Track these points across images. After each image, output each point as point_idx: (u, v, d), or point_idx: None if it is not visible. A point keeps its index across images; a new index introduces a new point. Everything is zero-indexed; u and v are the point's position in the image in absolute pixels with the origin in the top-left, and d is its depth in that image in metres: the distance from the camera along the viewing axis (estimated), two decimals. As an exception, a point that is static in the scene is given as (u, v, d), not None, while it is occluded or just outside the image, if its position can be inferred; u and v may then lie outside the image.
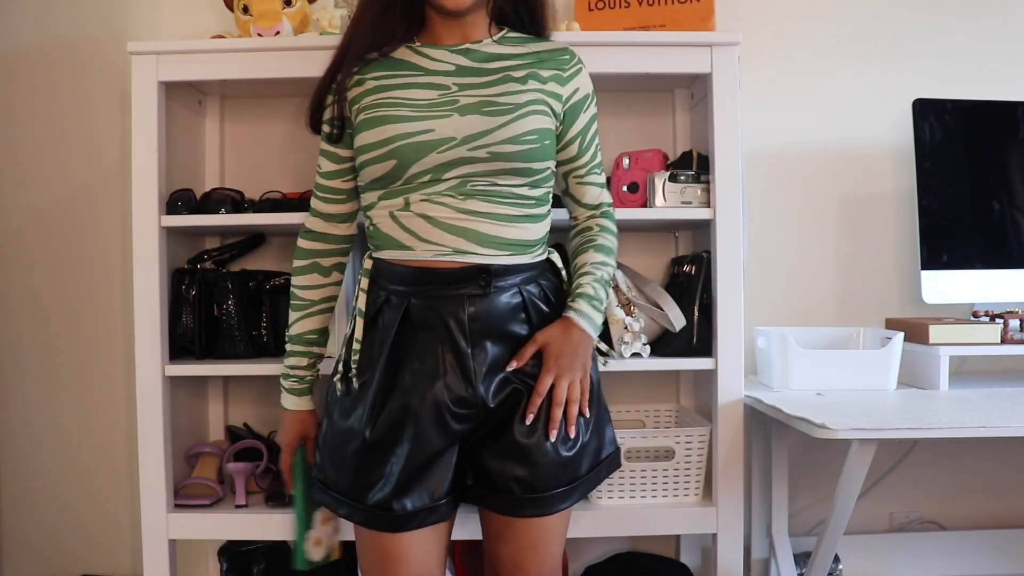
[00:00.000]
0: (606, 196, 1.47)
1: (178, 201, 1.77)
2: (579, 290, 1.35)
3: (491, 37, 1.39)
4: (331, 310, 1.47)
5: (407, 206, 1.28)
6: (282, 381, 1.48)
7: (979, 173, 2.00)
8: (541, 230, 1.37)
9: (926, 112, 1.98)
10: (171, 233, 1.80)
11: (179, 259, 1.89)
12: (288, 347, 1.46)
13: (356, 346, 1.33)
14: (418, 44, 1.38)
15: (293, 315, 1.45)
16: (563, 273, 1.42)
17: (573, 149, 1.41)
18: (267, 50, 1.75)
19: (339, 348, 1.48)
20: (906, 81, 2.12)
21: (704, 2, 1.86)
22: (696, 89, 1.95)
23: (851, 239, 2.14)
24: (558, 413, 1.28)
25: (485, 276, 1.28)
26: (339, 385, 1.34)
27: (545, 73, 1.35)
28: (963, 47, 2.14)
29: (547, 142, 1.32)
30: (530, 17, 1.43)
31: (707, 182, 1.77)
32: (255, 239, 2.03)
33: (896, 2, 2.14)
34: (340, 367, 1.35)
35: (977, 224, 1.99)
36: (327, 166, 1.41)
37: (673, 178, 1.78)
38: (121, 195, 2.09)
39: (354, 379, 1.31)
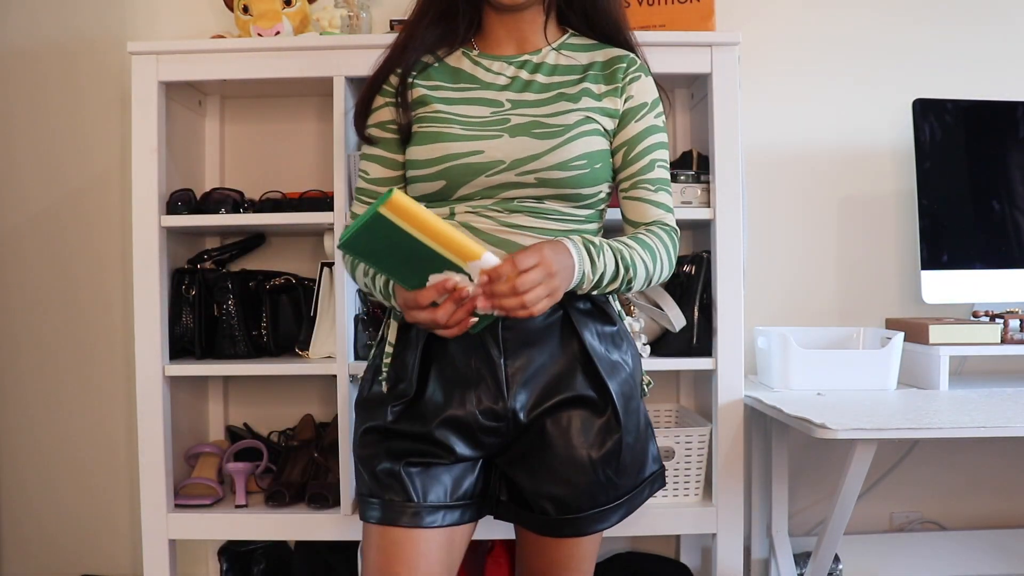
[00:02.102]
0: (667, 217, 1.31)
1: (178, 201, 1.77)
2: (584, 236, 1.21)
3: (550, 45, 1.33)
4: None
5: (451, 216, 1.25)
6: (387, 299, 1.23)
7: (979, 173, 2.00)
8: None
9: (926, 112, 1.98)
10: (171, 233, 1.81)
11: (179, 259, 1.89)
12: (378, 289, 1.24)
13: (389, 349, 1.29)
14: (475, 52, 1.33)
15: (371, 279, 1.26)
16: None
17: (618, 159, 1.31)
18: (267, 50, 1.75)
19: (369, 352, 1.40)
20: (906, 81, 2.12)
21: (704, 2, 1.86)
22: (696, 89, 1.95)
23: (851, 239, 2.14)
24: (499, 296, 1.08)
25: None
26: (368, 387, 1.30)
27: (600, 88, 1.30)
28: (963, 47, 2.14)
29: (598, 166, 1.27)
30: (587, 22, 1.36)
31: (707, 182, 1.77)
32: (255, 239, 2.03)
33: (896, 2, 2.14)
34: (369, 371, 1.31)
35: (977, 224, 1.99)
36: (377, 171, 1.32)
37: (673, 178, 1.78)
38: (121, 195, 2.09)
39: (384, 383, 1.28)
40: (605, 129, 1.29)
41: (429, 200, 1.27)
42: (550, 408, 1.24)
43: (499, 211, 1.24)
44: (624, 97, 1.31)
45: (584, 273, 1.17)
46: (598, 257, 1.18)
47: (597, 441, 1.24)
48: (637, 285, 1.25)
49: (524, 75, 1.31)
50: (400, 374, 1.27)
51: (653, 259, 1.25)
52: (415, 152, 1.27)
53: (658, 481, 1.34)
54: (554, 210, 1.26)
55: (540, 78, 1.30)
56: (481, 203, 1.25)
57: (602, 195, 1.31)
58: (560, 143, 1.24)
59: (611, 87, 1.31)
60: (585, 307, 1.28)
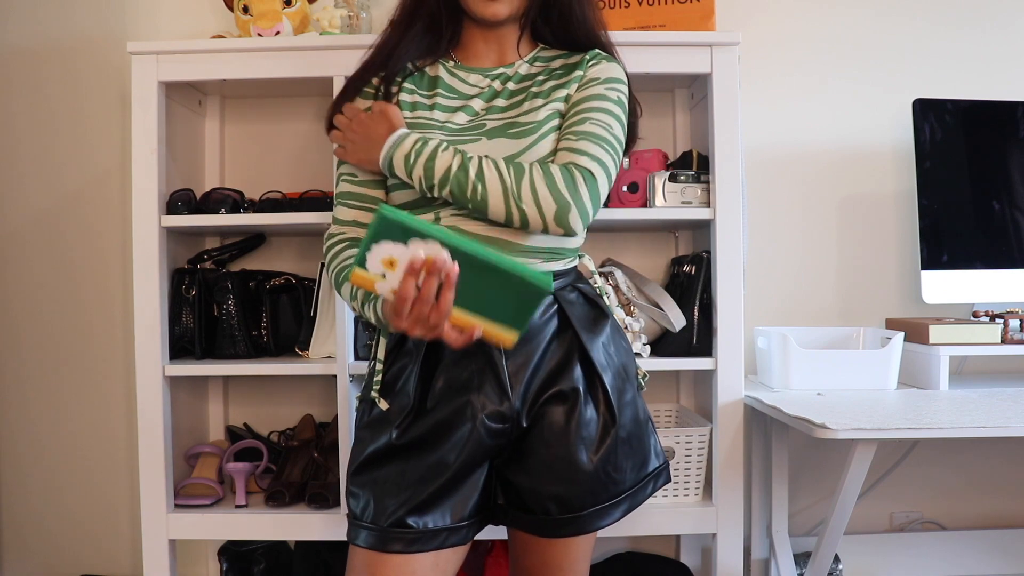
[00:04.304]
0: (578, 159, 1.22)
1: (178, 201, 1.77)
2: (428, 136, 1.23)
3: (523, 58, 1.36)
4: None
5: (437, 220, 1.25)
6: (364, 305, 1.18)
7: (979, 173, 2.00)
8: (576, 241, 1.31)
9: (926, 112, 1.98)
10: (171, 233, 1.80)
11: (179, 259, 1.89)
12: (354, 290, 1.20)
13: (379, 367, 1.28)
14: (452, 64, 1.36)
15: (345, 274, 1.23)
16: (595, 278, 1.37)
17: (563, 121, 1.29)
18: (267, 50, 1.75)
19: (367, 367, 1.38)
20: (906, 81, 2.12)
21: (704, 2, 1.86)
22: (696, 89, 1.95)
23: (851, 239, 2.14)
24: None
25: None
26: (365, 406, 1.29)
27: (568, 78, 1.31)
28: (963, 47, 2.14)
29: None
30: (563, 33, 1.37)
31: (707, 182, 1.77)
32: (255, 239, 2.03)
33: (896, 2, 2.14)
34: (367, 389, 1.30)
35: (977, 224, 1.99)
36: (364, 174, 1.31)
37: (673, 178, 1.78)
38: (121, 195, 2.09)
39: (378, 400, 1.26)
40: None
41: (412, 207, 1.27)
42: (547, 401, 1.23)
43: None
44: (583, 78, 1.31)
45: (390, 156, 1.22)
46: (424, 157, 1.20)
47: (593, 437, 1.24)
48: (492, 196, 1.18)
49: (497, 85, 1.33)
50: (396, 389, 1.25)
51: (519, 177, 1.18)
52: None
53: (662, 476, 1.33)
54: None
55: (511, 85, 1.33)
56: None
57: None
58: (535, 140, 1.25)
59: (576, 74, 1.31)
60: (578, 301, 1.29)
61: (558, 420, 1.23)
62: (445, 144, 1.22)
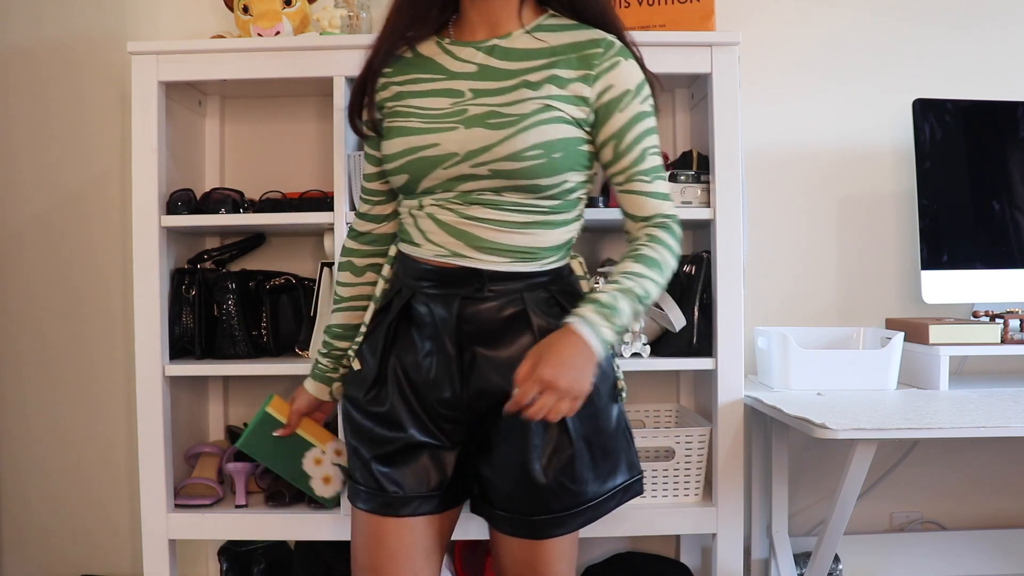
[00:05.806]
0: (664, 207, 1.29)
1: (178, 201, 1.77)
2: (592, 296, 1.20)
3: (523, 27, 1.28)
4: (361, 309, 1.42)
5: (421, 207, 1.29)
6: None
7: (979, 173, 2.00)
8: (558, 237, 1.28)
9: (926, 112, 1.98)
10: (171, 233, 1.81)
11: (179, 259, 1.89)
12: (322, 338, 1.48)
13: (363, 329, 1.37)
14: (447, 41, 1.31)
15: (332, 309, 1.47)
16: (584, 282, 1.35)
17: (608, 153, 1.27)
18: (267, 50, 1.75)
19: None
20: (906, 81, 2.12)
21: (704, 2, 1.86)
22: (696, 89, 1.95)
23: (851, 239, 2.14)
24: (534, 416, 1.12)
25: (478, 280, 1.25)
26: (348, 364, 1.40)
27: (568, 74, 1.24)
28: (963, 47, 2.14)
29: (557, 155, 1.22)
30: (571, 5, 1.31)
31: (707, 182, 1.77)
32: (255, 239, 2.03)
33: (896, 3, 2.14)
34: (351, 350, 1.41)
35: (977, 224, 1.99)
36: (367, 168, 1.40)
37: (673, 178, 1.78)
38: (121, 195, 2.09)
39: (354, 361, 1.36)
40: (573, 117, 1.24)
41: (403, 190, 1.31)
42: (503, 403, 1.19)
43: (459, 203, 1.25)
44: (602, 87, 1.25)
45: (604, 342, 1.17)
46: (613, 316, 1.18)
47: (548, 446, 1.23)
48: (653, 301, 1.27)
49: (492, 62, 1.27)
50: (370, 355, 1.34)
51: (662, 272, 1.26)
52: (385, 147, 1.31)
53: (631, 491, 1.32)
54: (513, 202, 1.24)
55: (507, 64, 1.26)
56: (443, 196, 1.26)
57: (568, 185, 1.26)
58: (512, 133, 1.21)
59: (582, 73, 1.25)
60: (546, 304, 1.27)
61: (515, 426, 1.22)
62: (614, 297, 1.19)
